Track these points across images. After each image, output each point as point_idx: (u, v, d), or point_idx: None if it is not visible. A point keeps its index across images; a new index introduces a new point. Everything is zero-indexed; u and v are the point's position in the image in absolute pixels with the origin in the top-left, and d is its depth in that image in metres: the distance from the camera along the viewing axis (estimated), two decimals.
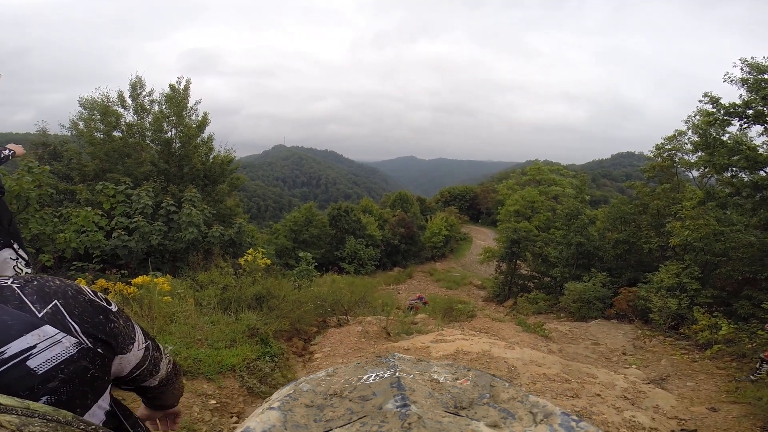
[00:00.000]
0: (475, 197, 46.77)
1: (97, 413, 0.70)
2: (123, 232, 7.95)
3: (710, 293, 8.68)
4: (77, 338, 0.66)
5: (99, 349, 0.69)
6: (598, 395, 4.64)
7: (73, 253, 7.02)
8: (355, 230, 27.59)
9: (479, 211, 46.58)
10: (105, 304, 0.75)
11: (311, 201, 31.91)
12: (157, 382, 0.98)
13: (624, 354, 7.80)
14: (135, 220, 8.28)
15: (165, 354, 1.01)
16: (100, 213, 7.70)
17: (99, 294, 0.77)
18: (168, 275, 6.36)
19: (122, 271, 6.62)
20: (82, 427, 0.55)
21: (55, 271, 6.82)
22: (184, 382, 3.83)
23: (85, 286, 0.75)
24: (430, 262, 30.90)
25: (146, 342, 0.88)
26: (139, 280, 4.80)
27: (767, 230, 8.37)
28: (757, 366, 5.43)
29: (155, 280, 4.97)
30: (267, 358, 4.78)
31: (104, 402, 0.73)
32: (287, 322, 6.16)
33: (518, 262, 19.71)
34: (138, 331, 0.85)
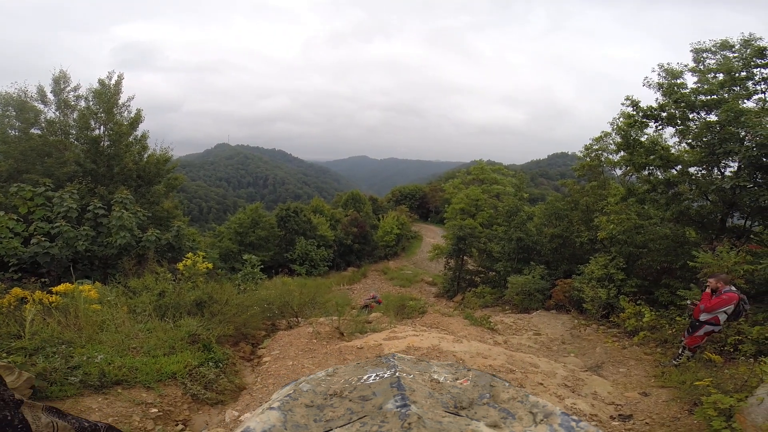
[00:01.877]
0: (424, 196, 47.91)
1: None
2: (43, 238, 7.21)
3: (634, 282, 9.36)
4: None
5: None
6: (541, 384, 4.91)
7: None
8: (306, 231, 27.09)
9: (428, 210, 47.77)
10: None
11: (258, 202, 30.84)
12: None
13: (563, 343, 8.28)
14: (57, 224, 7.54)
15: None
16: (15, 218, 6.96)
17: None
18: (97, 283, 5.87)
19: (43, 280, 6.01)
20: None
21: None
22: (120, 391, 3.57)
23: None
24: (383, 260, 31.15)
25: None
26: (61, 288, 4.39)
27: (679, 223, 9.25)
28: (680, 352, 5.86)
29: (80, 287, 4.56)
30: (211, 364, 4.56)
31: None
32: (232, 327, 5.92)
33: (465, 258, 20.42)
34: None
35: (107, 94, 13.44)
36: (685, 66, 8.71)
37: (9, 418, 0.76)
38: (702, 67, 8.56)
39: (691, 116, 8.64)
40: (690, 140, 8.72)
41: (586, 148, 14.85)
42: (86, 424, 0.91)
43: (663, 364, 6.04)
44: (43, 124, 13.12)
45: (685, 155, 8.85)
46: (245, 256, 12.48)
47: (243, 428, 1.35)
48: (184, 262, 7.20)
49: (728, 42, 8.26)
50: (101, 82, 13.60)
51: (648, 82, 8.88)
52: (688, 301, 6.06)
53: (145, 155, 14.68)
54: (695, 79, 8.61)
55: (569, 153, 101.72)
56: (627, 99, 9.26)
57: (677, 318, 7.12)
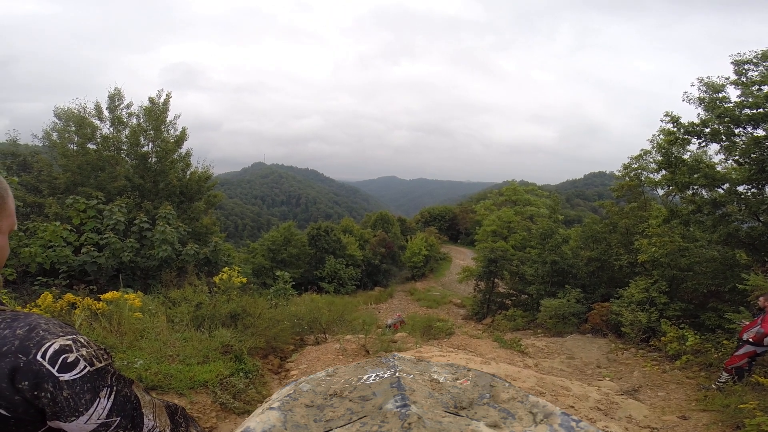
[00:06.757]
0: (454, 217, 47.44)
1: None
2: (92, 248, 7.70)
3: (678, 306, 8.85)
4: None
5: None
6: (572, 407, 4.69)
7: (38, 268, 6.76)
8: (335, 250, 27.44)
9: (458, 231, 47.17)
10: (52, 370, 0.76)
11: (290, 220, 31.68)
12: None
13: (598, 367, 7.91)
14: (106, 236, 8.04)
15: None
16: (69, 228, 7.47)
17: (54, 357, 0.76)
18: (139, 292, 6.19)
19: (90, 287, 6.41)
20: None
21: (19, 285, 6.55)
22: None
23: (47, 346, 0.76)
24: (410, 281, 30.89)
25: (109, 419, 0.86)
26: (108, 295, 4.66)
27: (727, 245, 8.70)
28: (721, 374, 5.56)
29: (125, 296, 4.83)
30: (241, 374, 4.67)
31: None
32: (263, 340, 6.04)
33: (496, 280, 19.93)
34: (96, 406, 0.83)
35: (156, 112, 14.18)
36: (727, 79, 8.29)
37: (128, 394, 0.90)
38: (745, 79, 8.15)
39: (736, 131, 8.19)
40: (737, 157, 8.25)
41: (625, 167, 14.29)
42: (170, 403, 1.04)
43: (705, 387, 5.67)
44: (98, 140, 13.88)
45: (733, 173, 8.37)
46: (278, 273, 12.76)
47: (243, 428, 1.38)
48: (220, 275, 7.46)
49: None
50: (151, 100, 14.39)
51: (688, 97, 8.51)
52: (737, 323, 5.72)
53: (188, 172, 15.31)
54: (738, 92, 8.18)
55: (606, 172, 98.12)
56: (667, 115, 8.90)
57: (724, 342, 6.67)
